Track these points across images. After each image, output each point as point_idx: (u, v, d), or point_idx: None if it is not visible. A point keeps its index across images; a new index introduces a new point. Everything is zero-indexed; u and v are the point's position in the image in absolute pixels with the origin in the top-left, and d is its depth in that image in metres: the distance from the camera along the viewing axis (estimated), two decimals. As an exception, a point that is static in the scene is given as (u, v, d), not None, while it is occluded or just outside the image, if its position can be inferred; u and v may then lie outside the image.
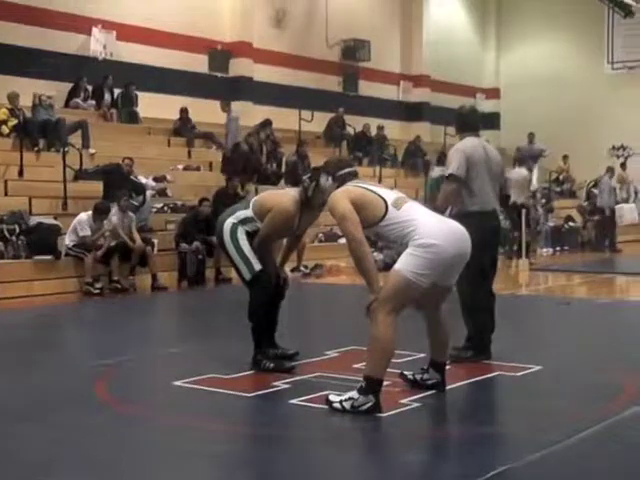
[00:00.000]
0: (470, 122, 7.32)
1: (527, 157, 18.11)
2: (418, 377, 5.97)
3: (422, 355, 6.48)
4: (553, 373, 6.65)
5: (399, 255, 5.39)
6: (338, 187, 5.76)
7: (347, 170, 5.97)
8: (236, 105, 19.54)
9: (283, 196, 6.68)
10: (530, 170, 17.95)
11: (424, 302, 5.68)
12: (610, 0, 24.19)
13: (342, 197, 5.50)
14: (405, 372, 6.06)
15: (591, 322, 9.91)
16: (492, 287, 7.26)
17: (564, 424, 5.16)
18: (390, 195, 5.55)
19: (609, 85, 26.81)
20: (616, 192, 21.52)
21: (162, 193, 15.58)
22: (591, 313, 10.58)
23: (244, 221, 6.58)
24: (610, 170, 21.90)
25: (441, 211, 6.54)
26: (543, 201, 21.31)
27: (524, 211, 16.46)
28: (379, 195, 5.50)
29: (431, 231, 5.30)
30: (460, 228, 5.51)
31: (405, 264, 5.27)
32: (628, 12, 24.58)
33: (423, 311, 5.82)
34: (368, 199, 5.48)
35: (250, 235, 6.55)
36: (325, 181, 6.02)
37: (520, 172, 17.29)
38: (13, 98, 15.07)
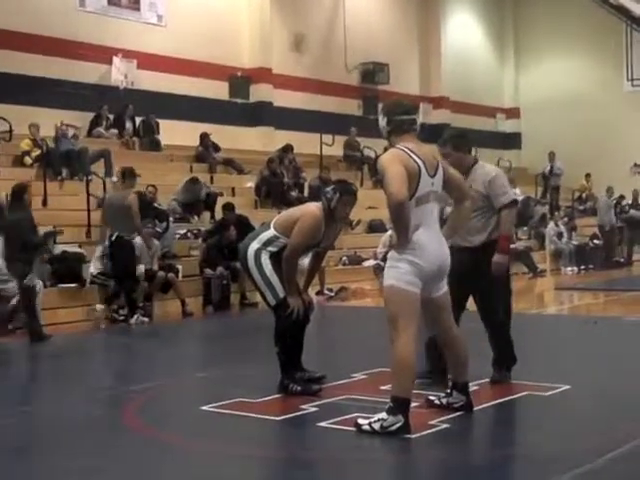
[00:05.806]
0: (470, 144, 6.95)
1: None
2: (444, 401, 5.94)
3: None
4: (582, 392, 6.60)
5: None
6: (391, 132, 5.63)
7: (405, 117, 5.63)
8: (257, 130, 19.53)
9: (307, 207, 6.78)
10: None
11: (432, 322, 5.76)
12: (628, 17, 24.14)
13: (395, 160, 5.36)
14: (430, 397, 6.04)
15: (618, 340, 9.84)
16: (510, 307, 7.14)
17: (594, 444, 5.12)
18: (425, 186, 5.43)
19: (629, 102, 26.68)
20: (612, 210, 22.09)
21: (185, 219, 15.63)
22: (618, 331, 10.49)
23: (268, 242, 6.60)
24: (609, 190, 22.39)
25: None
26: (566, 219, 21.32)
27: None
28: (418, 181, 5.39)
29: (419, 250, 5.35)
30: (445, 247, 5.57)
31: (393, 277, 5.37)
32: (647, 29, 24.56)
33: (437, 333, 5.86)
34: (412, 176, 5.36)
35: (276, 255, 6.56)
36: (381, 120, 5.75)
37: None
38: (33, 128, 15.25)
